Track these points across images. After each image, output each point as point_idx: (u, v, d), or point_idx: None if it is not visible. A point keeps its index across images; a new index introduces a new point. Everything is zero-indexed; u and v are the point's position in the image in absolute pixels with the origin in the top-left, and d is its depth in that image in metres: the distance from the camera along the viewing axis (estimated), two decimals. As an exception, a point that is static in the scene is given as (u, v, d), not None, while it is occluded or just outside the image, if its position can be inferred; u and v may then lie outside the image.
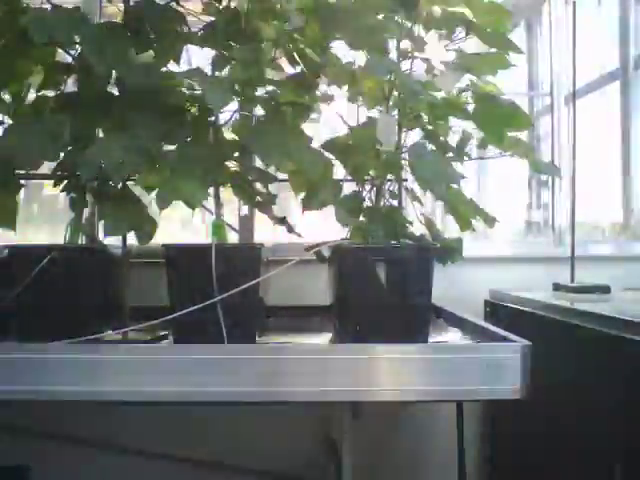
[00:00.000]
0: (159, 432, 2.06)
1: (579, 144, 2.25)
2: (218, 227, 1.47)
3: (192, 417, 1.99)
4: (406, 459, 2.23)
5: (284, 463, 2.17)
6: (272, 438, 2.11)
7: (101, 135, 1.45)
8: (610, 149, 2.57)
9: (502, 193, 2.79)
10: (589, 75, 2.56)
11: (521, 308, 1.95)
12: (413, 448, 2.23)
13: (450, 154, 1.50)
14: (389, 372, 1.25)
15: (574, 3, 2.10)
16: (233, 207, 1.65)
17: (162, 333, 1.50)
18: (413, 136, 1.57)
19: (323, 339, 1.57)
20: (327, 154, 1.49)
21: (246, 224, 2.04)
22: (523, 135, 1.57)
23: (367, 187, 1.52)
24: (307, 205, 1.49)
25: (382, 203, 1.49)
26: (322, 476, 2.11)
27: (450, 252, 1.53)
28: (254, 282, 1.34)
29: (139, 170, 1.35)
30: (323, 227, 1.54)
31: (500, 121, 1.47)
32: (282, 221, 1.57)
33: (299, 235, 1.56)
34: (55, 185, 1.47)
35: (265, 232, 1.62)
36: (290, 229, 1.57)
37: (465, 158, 1.52)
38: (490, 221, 1.53)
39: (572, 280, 2.10)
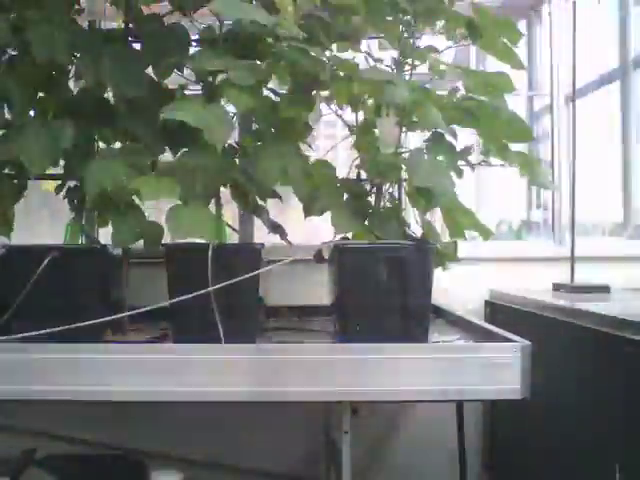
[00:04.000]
0: (159, 432, 2.06)
1: (579, 143, 2.25)
2: (218, 227, 1.47)
3: (192, 417, 1.99)
4: (406, 459, 2.23)
5: (284, 463, 2.17)
6: (272, 438, 2.11)
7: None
8: (610, 148, 2.57)
9: (502, 192, 2.79)
10: (589, 75, 2.56)
11: (521, 308, 1.95)
12: (413, 448, 2.23)
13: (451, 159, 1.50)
14: (389, 372, 1.25)
15: (574, 3, 2.10)
16: (233, 207, 1.65)
17: (162, 333, 1.50)
18: (414, 136, 1.57)
19: (323, 339, 1.57)
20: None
21: (246, 224, 2.04)
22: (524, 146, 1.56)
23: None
24: (308, 211, 1.49)
25: (382, 204, 1.49)
26: (322, 476, 2.11)
27: (444, 255, 1.52)
28: (248, 279, 1.34)
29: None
30: (320, 227, 1.53)
31: (501, 133, 1.47)
32: (276, 229, 1.57)
33: (289, 243, 1.56)
34: (57, 191, 1.48)
35: (265, 232, 1.62)
36: (283, 236, 1.57)
37: (465, 164, 1.51)
38: (486, 233, 1.52)
39: (572, 280, 2.10)
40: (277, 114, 1.44)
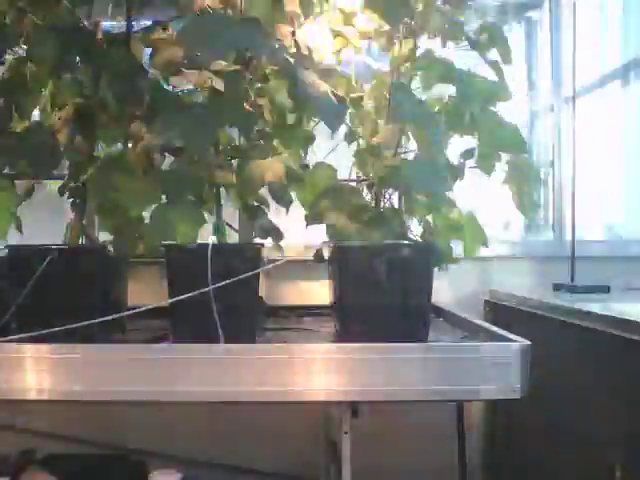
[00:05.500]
0: (158, 432, 2.07)
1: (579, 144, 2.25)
2: (218, 227, 1.47)
3: (192, 417, 1.99)
4: (406, 459, 2.23)
5: (284, 463, 2.17)
6: (272, 438, 2.11)
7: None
8: (611, 148, 2.57)
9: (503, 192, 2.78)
10: (589, 75, 2.56)
11: (521, 308, 1.95)
12: (413, 448, 2.23)
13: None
14: (389, 372, 1.25)
15: (574, 3, 2.10)
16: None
17: (162, 333, 1.50)
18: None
19: (323, 339, 1.57)
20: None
21: (246, 224, 2.03)
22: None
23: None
24: (310, 221, 1.49)
25: (382, 205, 1.49)
26: (322, 476, 2.11)
27: (441, 257, 1.52)
28: (248, 279, 1.34)
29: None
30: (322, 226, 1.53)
31: (498, 144, 1.47)
32: (268, 232, 1.56)
33: (280, 247, 1.55)
34: (61, 193, 1.48)
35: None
36: (277, 239, 1.56)
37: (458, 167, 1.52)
38: (480, 239, 1.52)
39: (572, 280, 2.10)
40: (276, 119, 1.44)
